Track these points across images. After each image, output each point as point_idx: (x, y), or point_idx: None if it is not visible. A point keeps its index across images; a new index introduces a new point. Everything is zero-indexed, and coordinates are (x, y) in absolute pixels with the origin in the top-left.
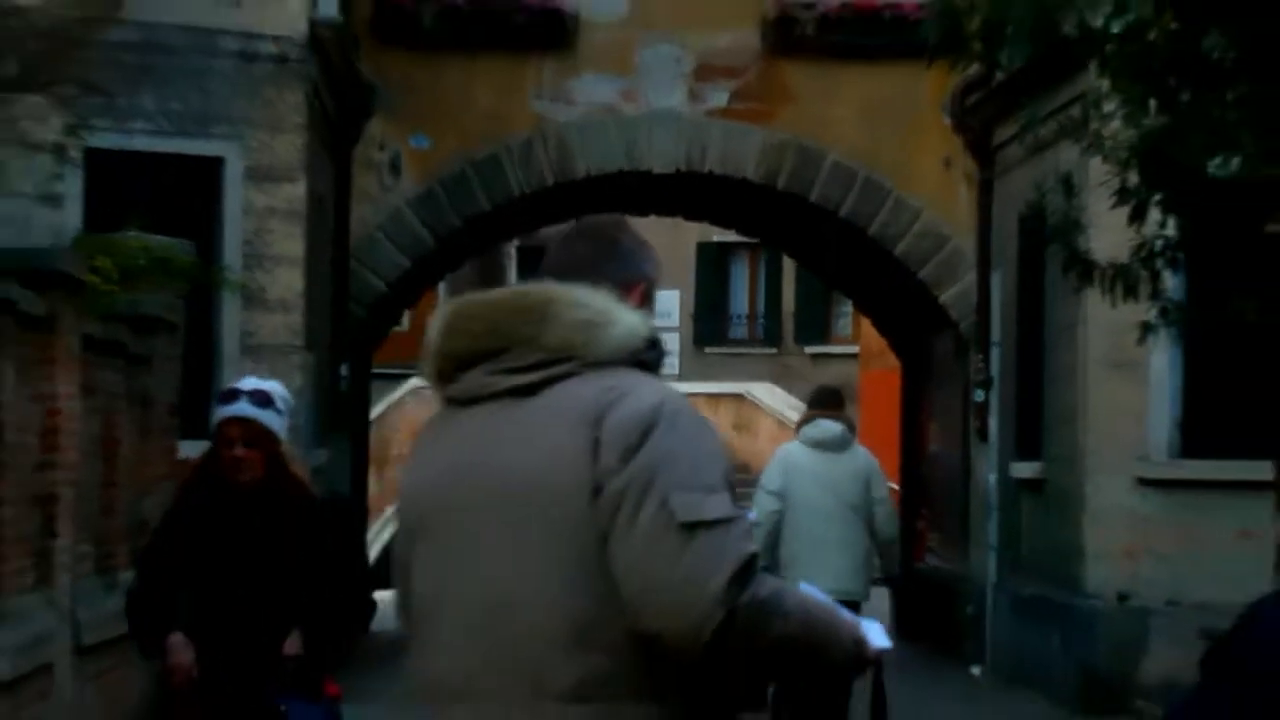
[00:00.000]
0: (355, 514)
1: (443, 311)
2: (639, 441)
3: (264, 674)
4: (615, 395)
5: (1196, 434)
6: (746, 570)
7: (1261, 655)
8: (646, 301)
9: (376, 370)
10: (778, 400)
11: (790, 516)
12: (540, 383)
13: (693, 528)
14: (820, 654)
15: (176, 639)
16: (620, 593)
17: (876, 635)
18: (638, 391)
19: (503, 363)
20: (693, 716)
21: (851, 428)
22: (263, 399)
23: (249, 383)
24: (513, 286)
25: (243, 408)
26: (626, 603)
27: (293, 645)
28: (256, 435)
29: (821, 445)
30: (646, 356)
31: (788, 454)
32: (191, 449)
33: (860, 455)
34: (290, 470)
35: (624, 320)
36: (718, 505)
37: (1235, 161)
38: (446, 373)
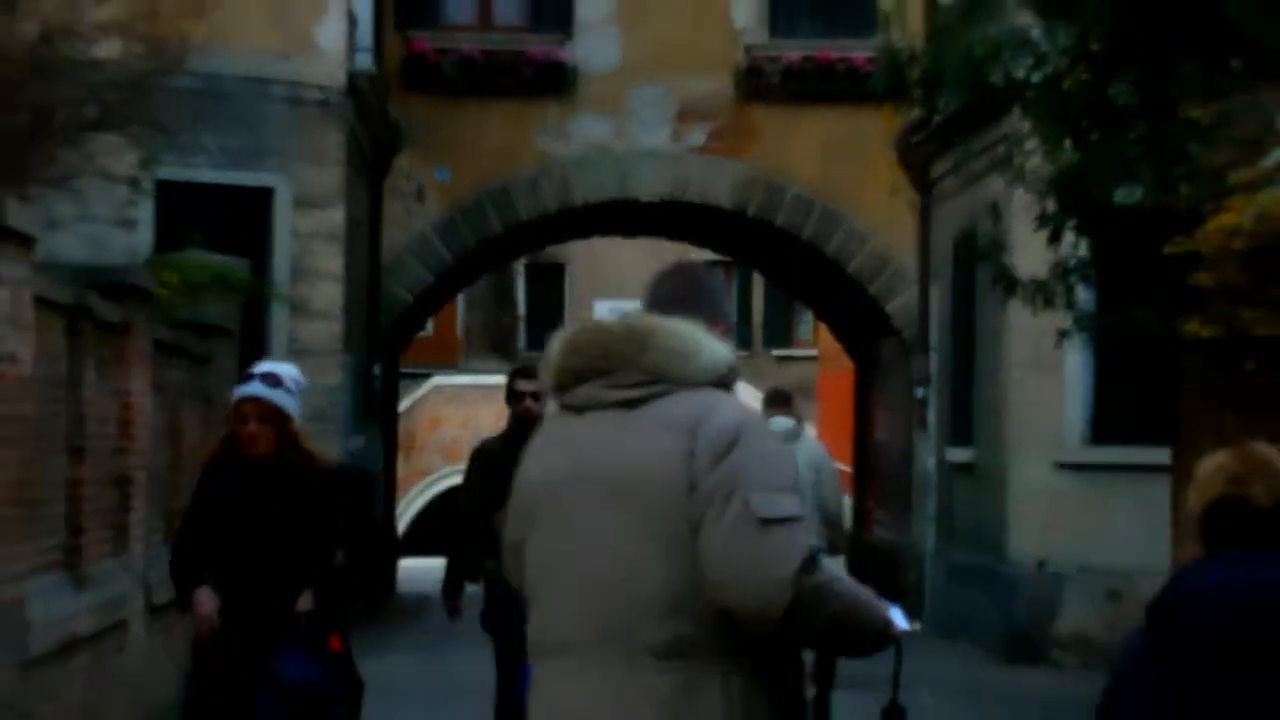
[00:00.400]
0: (374, 486)
1: (563, 335)
2: (726, 451)
3: (273, 629)
4: (704, 411)
5: (1105, 424)
6: (811, 560)
7: (1196, 615)
8: (728, 334)
9: (403, 370)
10: (748, 396)
11: None
12: (642, 398)
13: (768, 523)
14: (860, 631)
15: (202, 592)
16: (705, 573)
17: (899, 619)
18: (721, 410)
19: (612, 380)
20: (760, 678)
21: (800, 422)
22: (274, 380)
23: (263, 366)
24: (622, 318)
25: (255, 388)
26: (710, 582)
27: (305, 603)
28: (268, 413)
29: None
30: (727, 379)
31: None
32: None
33: (808, 445)
34: (301, 445)
35: (709, 350)
36: (789, 505)
37: (1137, 192)
38: (565, 385)
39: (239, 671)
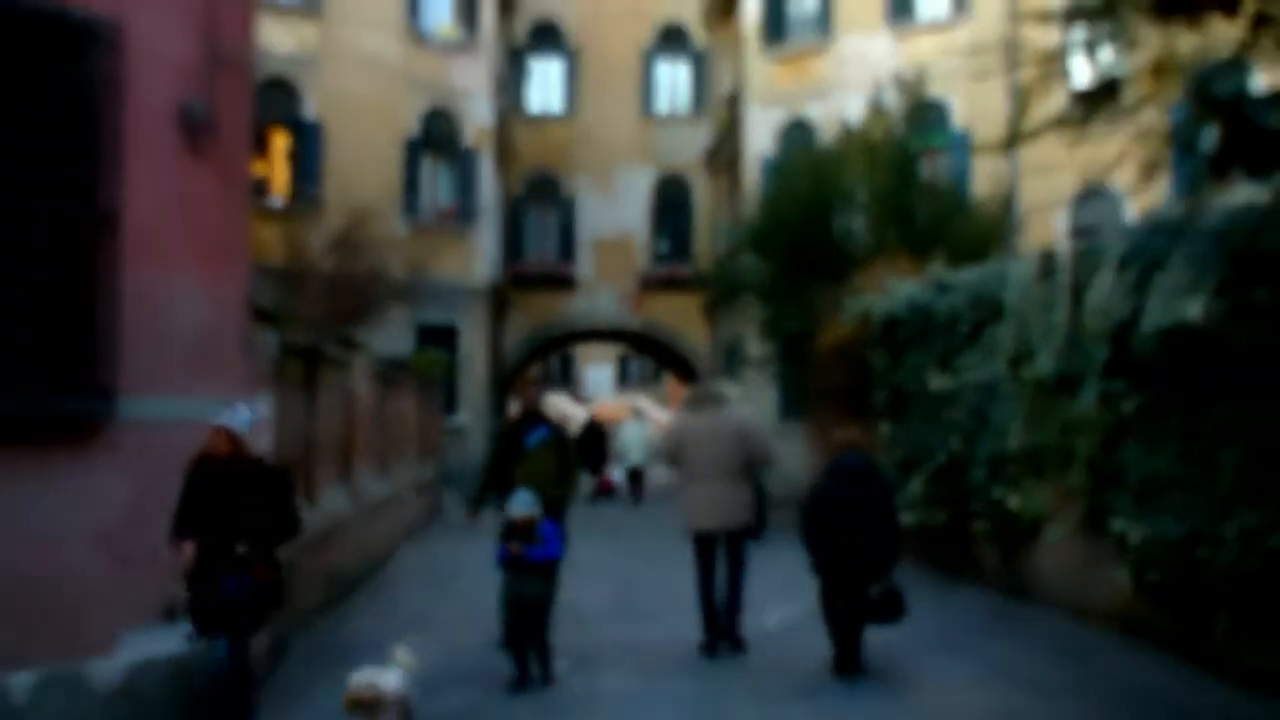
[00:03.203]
0: (290, 479)
1: (690, 391)
2: (751, 424)
3: (221, 562)
4: (738, 412)
5: (785, 413)
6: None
7: (843, 469)
8: (732, 386)
9: (509, 395)
10: (650, 406)
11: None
12: (719, 407)
13: (767, 442)
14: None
15: (186, 544)
16: (750, 454)
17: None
18: (742, 412)
19: (709, 401)
20: (754, 484)
21: (643, 419)
22: (232, 415)
23: (233, 406)
24: (710, 384)
25: (223, 418)
26: (753, 456)
27: (240, 547)
28: (228, 432)
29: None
30: (732, 401)
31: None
32: (450, 421)
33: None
34: (245, 450)
35: (730, 392)
36: (768, 436)
37: (797, 326)
38: (692, 403)
39: (209, 585)
